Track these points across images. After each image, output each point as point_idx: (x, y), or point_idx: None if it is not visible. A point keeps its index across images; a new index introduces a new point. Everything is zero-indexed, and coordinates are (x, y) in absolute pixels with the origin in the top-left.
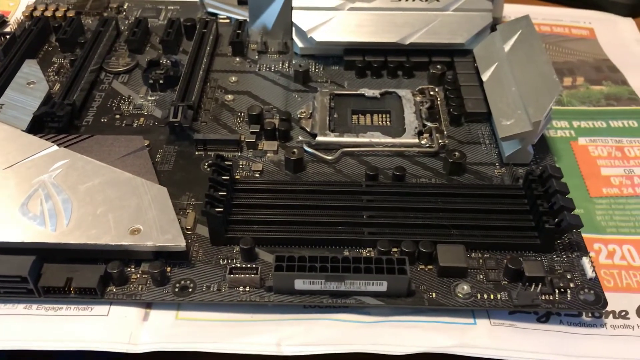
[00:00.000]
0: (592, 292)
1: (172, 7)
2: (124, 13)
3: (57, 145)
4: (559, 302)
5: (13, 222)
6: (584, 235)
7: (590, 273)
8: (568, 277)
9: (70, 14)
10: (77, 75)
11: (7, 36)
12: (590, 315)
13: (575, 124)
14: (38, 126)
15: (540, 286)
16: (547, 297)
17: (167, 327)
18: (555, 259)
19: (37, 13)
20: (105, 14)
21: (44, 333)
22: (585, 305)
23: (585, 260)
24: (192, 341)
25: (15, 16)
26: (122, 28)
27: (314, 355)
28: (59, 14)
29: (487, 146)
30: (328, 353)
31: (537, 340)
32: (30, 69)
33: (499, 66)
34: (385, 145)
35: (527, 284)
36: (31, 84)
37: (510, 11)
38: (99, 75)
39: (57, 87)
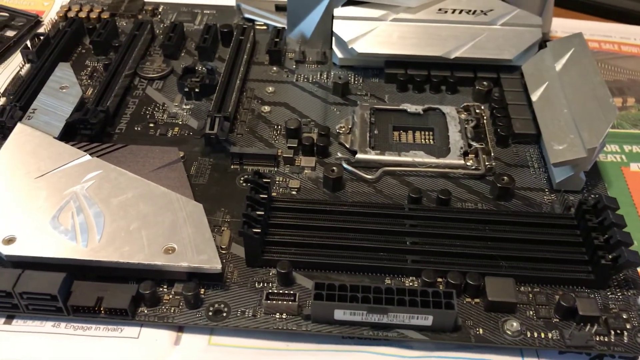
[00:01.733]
0: None
1: (208, 12)
2: (159, 16)
3: (90, 154)
4: (615, 345)
5: (44, 236)
6: (638, 269)
7: None
8: (624, 317)
9: (105, 15)
10: (111, 80)
11: (41, 37)
12: None
13: (627, 148)
14: (70, 133)
15: (595, 327)
16: (601, 338)
17: (199, 353)
18: (610, 296)
19: (71, 14)
20: (140, 17)
21: (71, 353)
22: None
23: None
24: None
25: (50, 16)
26: (157, 32)
27: None
28: (93, 15)
29: (535, 170)
30: None
31: None
32: (63, 73)
33: (549, 85)
34: (429, 166)
35: (581, 323)
36: (64, 88)
37: (558, 25)
38: (132, 80)
39: (90, 91)
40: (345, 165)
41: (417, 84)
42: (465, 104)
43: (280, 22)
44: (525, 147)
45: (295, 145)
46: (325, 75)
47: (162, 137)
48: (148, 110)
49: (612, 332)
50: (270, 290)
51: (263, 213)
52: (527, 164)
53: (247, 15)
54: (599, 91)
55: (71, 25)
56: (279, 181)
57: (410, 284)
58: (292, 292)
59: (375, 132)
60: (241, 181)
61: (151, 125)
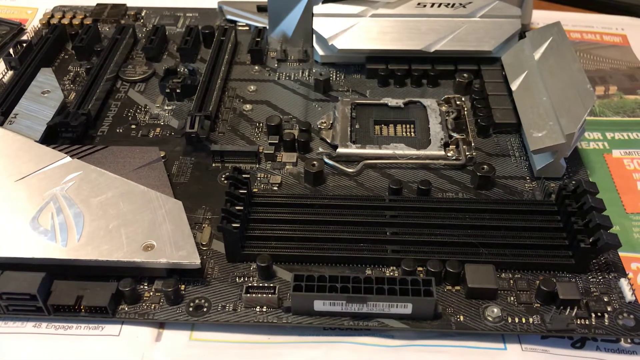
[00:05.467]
0: (631, 316)
1: (191, 15)
2: (142, 20)
3: (71, 156)
4: (596, 327)
5: (23, 237)
6: (620, 253)
7: (629, 296)
8: (605, 300)
9: (88, 21)
10: (93, 83)
11: (24, 44)
12: (629, 341)
13: (609, 135)
14: (52, 136)
15: (575, 310)
16: (582, 321)
17: (180, 348)
18: (591, 280)
19: (54, 21)
20: (122, 22)
21: (53, 353)
22: (624, 331)
23: (623, 282)
24: None
25: (33, 24)
26: (140, 36)
27: None
28: (76, 21)
29: (516, 159)
30: None
31: None
32: (45, 78)
33: (528, 75)
34: (410, 158)
35: (562, 307)
36: (46, 93)
37: (539, 17)
38: (115, 84)
39: (72, 96)
40: (326, 160)
41: (399, 78)
42: (446, 96)
43: (261, 22)
44: (506, 137)
45: (277, 142)
46: (307, 73)
47: (143, 138)
48: (130, 112)
49: (593, 315)
50: (250, 284)
51: (242, 208)
52: (508, 153)
53: (229, 17)
54: (577, 78)
55: (53, 31)
56: (260, 177)
57: (391, 273)
58: (272, 285)
59: (357, 126)
60: (222, 179)
61: (133, 126)
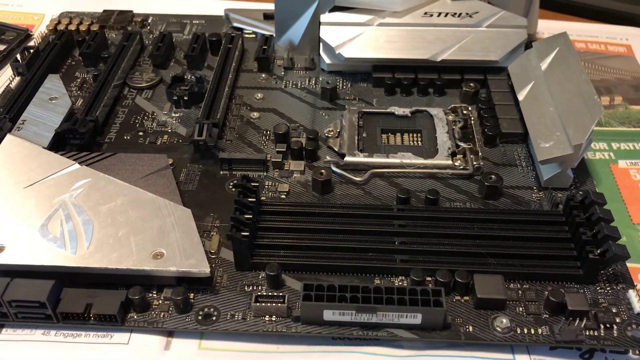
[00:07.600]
0: None
1: (197, 22)
2: (148, 27)
3: (79, 163)
4: (605, 339)
5: (32, 244)
6: (627, 264)
7: (638, 307)
8: (613, 311)
9: (94, 27)
10: (100, 90)
11: (31, 50)
12: (638, 352)
13: (615, 145)
14: (60, 143)
15: (584, 321)
16: (591, 332)
17: (189, 357)
18: (599, 291)
19: (61, 27)
20: (129, 28)
21: None
22: (633, 342)
23: (631, 294)
24: None
25: (40, 30)
26: (147, 42)
27: None
28: (82, 27)
29: (523, 169)
30: None
31: None
32: (53, 84)
33: (535, 85)
34: (417, 167)
35: (571, 318)
36: (53, 100)
37: (544, 27)
38: (122, 90)
39: (79, 102)
40: (334, 168)
41: (405, 87)
42: (452, 105)
43: (268, 30)
44: (513, 147)
45: (284, 150)
46: (313, 81)
47: (151, 145)
48: (137, 119)
49: (602, 326)
50: (259, 293)
51: (251, 216)
52: (515, 162)
53: (235, 24)
54: (584, 89)
55: (60, 37)
56: (268, 185)
57: (400, 283)
58: (281, 294)
59: (364, 135)
60: (230, 186)
61: (140, 133)
